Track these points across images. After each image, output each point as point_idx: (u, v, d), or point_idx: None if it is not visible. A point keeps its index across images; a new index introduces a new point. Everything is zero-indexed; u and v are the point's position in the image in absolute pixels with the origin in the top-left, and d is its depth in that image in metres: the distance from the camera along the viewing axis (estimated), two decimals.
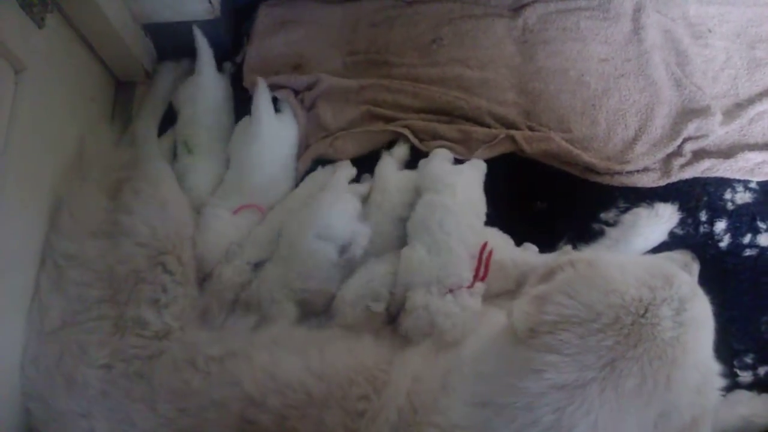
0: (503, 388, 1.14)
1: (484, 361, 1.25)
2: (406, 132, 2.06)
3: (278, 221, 1.87)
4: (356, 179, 2.02)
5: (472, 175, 1.90)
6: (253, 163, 1.94)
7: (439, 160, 1.91)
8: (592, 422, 1.06)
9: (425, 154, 2.00)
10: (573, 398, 1.06)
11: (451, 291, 1.64)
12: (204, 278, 1.79)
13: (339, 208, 1.79)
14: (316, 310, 1.78)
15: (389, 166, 1.97)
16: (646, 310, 1.10)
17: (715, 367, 1.16)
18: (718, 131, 2.03)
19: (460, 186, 1.81)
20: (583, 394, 1.06)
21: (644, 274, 1.15)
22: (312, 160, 2.07)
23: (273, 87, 2.09)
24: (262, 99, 2.00)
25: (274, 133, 1.99)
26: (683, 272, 1.22)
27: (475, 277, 1.67)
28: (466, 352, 1.34)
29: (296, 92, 2.15)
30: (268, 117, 1.99)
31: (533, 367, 1.10)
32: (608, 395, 1.06)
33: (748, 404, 1.68)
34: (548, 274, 1.24)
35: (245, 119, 2.03)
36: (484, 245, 1.70)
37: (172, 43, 2.18)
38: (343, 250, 1.76)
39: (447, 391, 1.28)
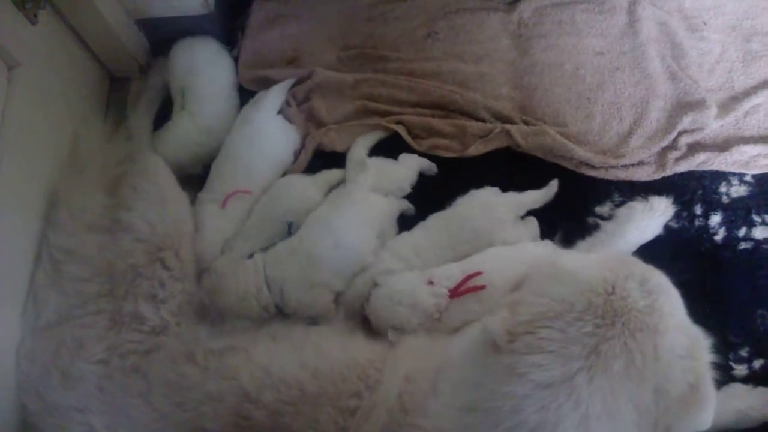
0: (488, 393, 1.15)
1: (467, 368, 1.25)
2: (400, 129, 2.06)
3: (265, 213, 1.88)
4: None
5: None
6: (240, 146, 1.95)
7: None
8: (582, 415, 1.06)
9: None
10: (558, 394, 1.07)
11: (431, 283, 1.65)
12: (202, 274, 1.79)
13: (361, 231, 1.80)
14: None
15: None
16: (614, 288, 1.13)
17: (698, 331, 1.18)
18: (713, 124, 2.02)
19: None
20: (570, 387, 1.07)
21: (601, 261, 1.20)
22: (313, 152, 2.07)
23: (268, 81, 2.10)
24: (273, 93, 2.02)
25: (270, 127, 2.00)
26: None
27: (452, 290, 1.65)
28: (453, 353, 1.34)
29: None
30: (269, 108, 2.01)
31: (517, 370, 1.10)
32: (598, 383, 1.07)
33: (744, 398, 1.68)
34: (517, 284, 1.27)
35: (245, 108, 2.05)
36: (477, 273, 1.67)
37: (166, 38, 2.17)
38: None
39: (436, 394, 1.29)
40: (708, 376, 1.15)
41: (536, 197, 1.91)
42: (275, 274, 1.73)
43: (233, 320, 1.70)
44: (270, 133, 1.99)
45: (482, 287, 1.62)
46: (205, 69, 2.09)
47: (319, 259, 1.73)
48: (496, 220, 1.82)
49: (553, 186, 1.93)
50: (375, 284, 1.71)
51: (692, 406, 1.11)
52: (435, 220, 1.86)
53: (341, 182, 1.96)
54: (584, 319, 1.10)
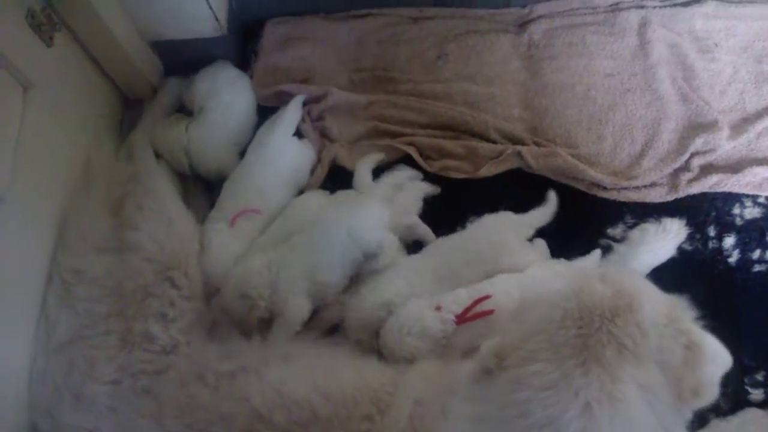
0: (495, 404, 1.16)
1: (474, 389, 1.25)
2: (412, 151, 2.07)
3: (280, 231, 1.88)
4: None
5: None
6: (255, 167, 1.96)
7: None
8: (583, 403, 1.07)
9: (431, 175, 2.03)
10: (559, 392, 1.09)
11: (438, 308, 1.64)
12: (211, 293, 1.78)
13: (376, 216, 1.78)
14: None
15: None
16: (580, 289, 1.17)
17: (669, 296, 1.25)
18: (725, 146, 2.02)
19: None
20: (569, 383, 1.09)
21: (556, 276, 1.32)
22: (329, 166, 2.08)
23: (284, 96, 2.14)
24: (287, 115, 2.04)
25: (284, 149, 2.01)
26: None
27: (459, 316, 1.64)
28: (461, 373, 1.33)
29: (304, 102, 2.16)
30: (284, 131, 2.02)
31: (518, 381, 1.13)
32: (594, 373, 1.09)
33: (760, 423, 1.66)
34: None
35: (260, 130, 2.07)
36: (486, 297, 1.67)
37: (179, 60, 2.19)
38: (368, 255, 1.76)
39: (445, 414, 1.28)
40: (696, 329, 1.19)
41: (541, 215, 1.92)
42: (278, 261, 1.74)
43: (241, 339, 1.68)
44: (284, 155, 2.00)
45: (490, 312, 1.61)
46: (224, 94, 2.11)
47: (329, 249, 1.73)
48: (502, 244, 1.80)
49: (552, 199, 1.94)
50: (384, 308, 1.70)
51: (698, 364, 1.15)
52: (440, 244, 1.86)
53: None
54: (566, 325, 1.14)
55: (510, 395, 1.13)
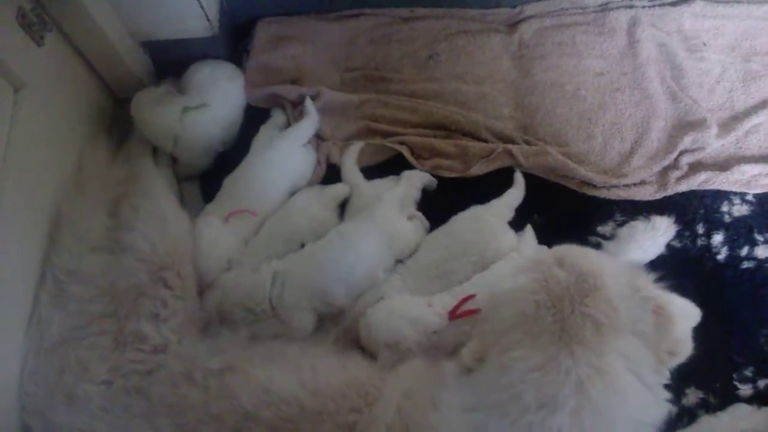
0: (487, 391, 1.20)
1: (462, 382, 1.28)
2: (404, 150, 2.08)
3: (273, 230, 1.90)
4: None
5: None
6: (260, 169, 1.97)
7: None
8: (575, 380, 1.12)
9: None
10: (549, 371, 1.13)
11: (430, 306, 1.66)
12: (203, 288, 1.80)
13: (380, 247, 1.80)
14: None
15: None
16: (546, 280, 1.22)
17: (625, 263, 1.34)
18: (714, 144, 2.03)
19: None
20: (557, 363, 1.14)
21: (519, 270, 1.31)
22: (326, 162, 2.09)
23: (275, 98, 2.15)
24: (304, 126, 2.07)
25: (293, 156, 2.02)
26: None
27: (451, 313, 1.67)
28: (450, 367, 1.35)
29: (294, 104, 2.17)
30: (297, 141, 2.04)
31: (506, 366, 1.17)
32: (579, 352, 1.14)
33: (748, 419, 1.67)
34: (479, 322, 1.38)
35: (267, 124, 2.10)
36: (471, 296, 1.69)
37: (170, 60, 2.19)
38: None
39: (437, 406, 1.29)
40: (659, 293, 1.24)
41: (514, 195, 1.95)
42: (283, 274, 1.75)
43: (227, 335, 1.69)
44: (293, 162, 2.01)
45: (477, 311, 1.63)
46: (225, 86, 2.13)
47: (332, 269, 1.74)
48: (484, 232, 1.82)
49: (519, 179, 1.98)
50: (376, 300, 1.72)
51: (669, 325, 1.20)
52: (427, 244, 1.87)
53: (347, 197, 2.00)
54: (540, 315, 1.18)
55: (498, 380, 1.17)
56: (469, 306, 1.64)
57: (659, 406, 1.19)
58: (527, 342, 1.17)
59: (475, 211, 1.88)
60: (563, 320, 1.16)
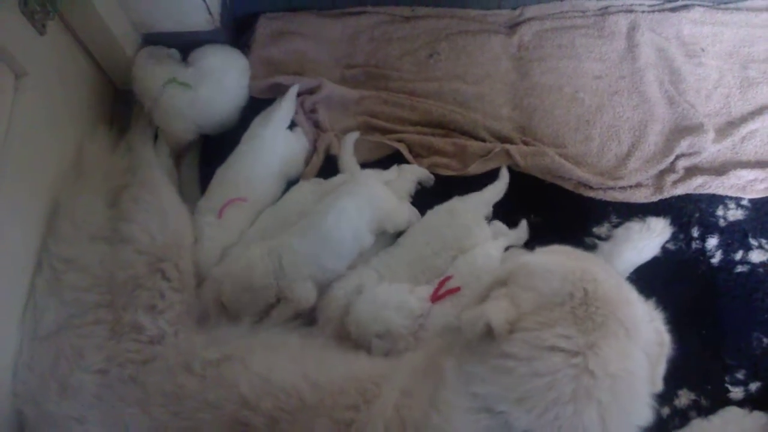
0: (514, 380, 1.16)
1: (469, 364, 1.24)
2: (402, 147, 2.08)
3: (269, 221, 1.91)
4: None
5: None
6: (247, 158, 1.97)
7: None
8: (610, 374, 1.13)
9: None
10: (588, 359, 1.13)
11: (411, 291, 1.70)
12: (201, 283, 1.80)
13: (363, 212, 1.82)
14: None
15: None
16: (593, 273, 1.23)
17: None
18: (710, 148, 2.05)
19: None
20: (595, 352, 1.14)
21: (551, 252, 1.38)
22: (325, 153, 2.10)
23: (279, 88, 2.15)
24: (282, 109, 2.05)
25: (277, 142, 2.02)
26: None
27: (432, 296, 1.71)
28: (450, 362, 1.31)
29: (297, 95, 2.16)
30: (278, 125, 2.04)
31: (545, 344, 1.15)
32: (615, 346, 1.16)
33: (740, 423, 1.68)
34: (500, 282, 1.32)
35: (259, 117, 2.08)
36: (449, 277, 1.74)
37: None
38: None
39: (437, 407, 1.26)
40: (663, 327, 1.30)
41: (494, 191, 1.96)
42: (278, 248, 1.75)
43: (228, 326, 1.69)
44: (276, 148, 2.00)
45: (458, 289, 1.69)
46: (233, 69, 2.15)
47: (323, 238, 1.75)
48: (462, 227, 1.84)
49: (504, 175, 1.99)
50: (357, 293, 1.72)
51: (662, 358, 1.27)
52: (407, 236, 1.88)
53: None
54: (587, 302, 1.19)
55: (533, 364, 1.14)
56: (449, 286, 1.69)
57: (650, 414, 1.22)
58: (570, 322, 1.17)
59: (450, 205, 1.90)
60: (605, 316, 1.17)
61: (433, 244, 1.83)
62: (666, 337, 1.29)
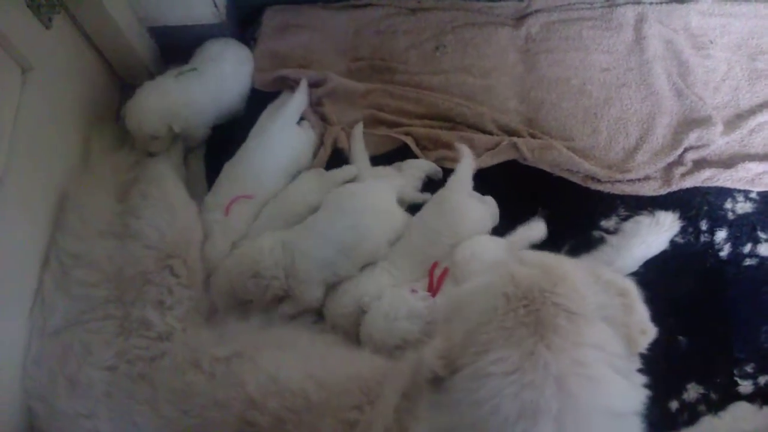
0: (463, 409, 1.11)
1: (433, 395, 1.20)
2: (408, 140, 2.08)
3: (273, 215, 1.91)
4: None
5: None
6: (255, 153, 1.97)
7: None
8: (556, 375, 1.05)
9: None
10: (526, 371, 1.05)
11: (414, 291, 1.69)
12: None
13: (379, 217, 1.83)
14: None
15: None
16: (512, 276, 1.16)
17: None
18: (718, 141, 2.04)
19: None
20: (534, 359, 1.06)
21: (487, 270, 1.27)
22: (332, 147, 2.09)
23: (284, 81, 2.15)
24: (292, 106, 2.05)
25: (286, 137, 2.01)
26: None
27: (429, 289, 1.71)
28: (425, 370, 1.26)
29: None
30: (287, 121, 2.03)
31: (482, 372, 1.08)
32: (557, 343, 1.07)
33: (750, 419, 1.67)
34: (445, 319, 1.27)
35: (267, 111, 2.08)
36: (435, 264, 1.74)
37: (177, 47, 2.19)
38: None
39: (417, 419, 1.24)
40: (619, 277, 1.22)
41: (466, 166, 1.93)
42: (292, 244, 1.75)
43: (237, 323, 1.69)
44: (285, 143, 2.00)
45: (446, 270, 1.72)
46: (227, 64, 2.13)
47: (332, 239, 1.75)
48: (453, 212, 1.83)
49: (463, 150, 1.96)
50: (363, 311, 1.70)
51: (635, 305, 1.17)
52: (407, 233, 1.88)
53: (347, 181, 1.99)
54: (513, 308, 1.11)
55: (474, 394, 1.08)
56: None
57: (637, 393, 1.13)
58: (501, 339, 1.09)
59: (437, 196, 1.90)
60: (537, 311, 1.10)
61: (428, 235, 1.82)
62: (624, 283, 1.20)
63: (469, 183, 1.93)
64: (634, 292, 1.19)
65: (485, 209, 1.89)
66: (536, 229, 1.86)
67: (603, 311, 1.14)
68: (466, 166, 1.93)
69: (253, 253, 1.73)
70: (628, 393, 1.11)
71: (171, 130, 1.91)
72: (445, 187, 1.91)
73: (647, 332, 1.16)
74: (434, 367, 1.13)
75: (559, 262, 1.21)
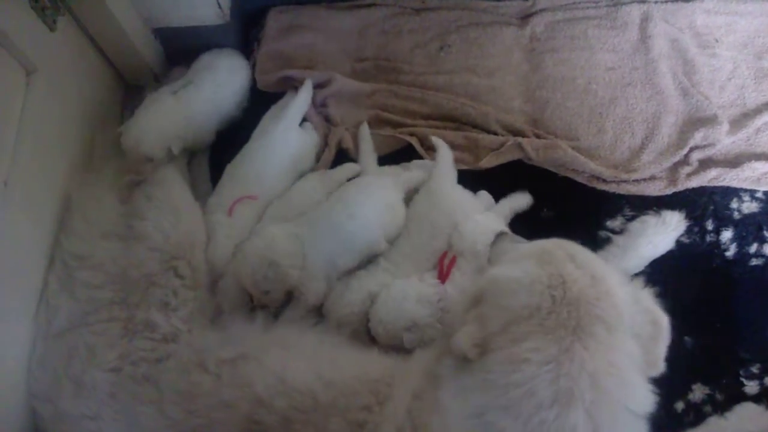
0: (498, 388, 1.16)
1: (461, 378, 1.25)
2: (413, 141, 2.07)
3: (277, 214, 1.90)
4: None
5: None
6: (257, 154, 1.97)
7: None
8: (590, 372, 1.13)
9: None
10: (563, 363, 1.13)
11: (421, 279, 1.70)
12: (216, 282, 1.78)
13: (378, 210, 1.83)
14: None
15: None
16: (561, 276, 1.22)
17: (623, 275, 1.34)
18: (724, 140, 2.03)
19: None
20: (571, 355, 1.14)
21: (529, 257, 1.29)
22: (336, 147, 2.09)
23: (288, 81, 2.15)
24: (298, 101, 2.05)
25: (288, 139, 2.01)
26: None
27: (439, 276, 1.72)
28: (447, 362, 1.32)
29: None
30: (290, 122, 2.02)
31: (519, 357, 1.15)
32: (593, 346, 1.15)
33: (756, 420, 1.67)
34: (475, 299, 1.31)
35: (271, 111, 2.08)
36: (446, 253, 1.76)
37: (181, 48, 2.19)
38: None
39: (440, 409, 1.27)
40: (657, 308, 1.29)
41: (445, 157, 1.96)
42: (302, 237, 1.76)
43: (242, 325, 1.68)
44: (288, 145, 1.99)
45: (453, 258, 1.73)
46: (222, 73, 2.11)
47: (332, 229, 1.76)
48: (443, 203, 1.84)
49: (439, 144, 1.98)
50: (371, 302, 1.70)
51: (659, 337, 1.26)
52: (404, 231, 1.87)
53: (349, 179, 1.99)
54: (556, 311, 1.18)
55: (509, 377, 1.15)
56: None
57: (650, 400, 1.21)
58: (540, 334, 1.16)
59: (424, 190, 1.90)
60: (579, 318, 1.16)
61: (426, 230, 1.82)
62: (659, 315, 1.28)
63: (452, 172, 1.95)
64: (665, 327, 1.27)
65: (472, 195, 1.91)
66: (521, 199, 1.93)
67: (635, 331, 1.22)
68: (445, 155, 1.96)
69: (267, 242, 1.72)
70: (647, 398, 1.20)
71: (169, 152, 1.90)
72: (430, 179, 1.91)
73: (657, 368, 1.24)
74: (469, 354, 1.20)
75: (608, 274, 1.26)
